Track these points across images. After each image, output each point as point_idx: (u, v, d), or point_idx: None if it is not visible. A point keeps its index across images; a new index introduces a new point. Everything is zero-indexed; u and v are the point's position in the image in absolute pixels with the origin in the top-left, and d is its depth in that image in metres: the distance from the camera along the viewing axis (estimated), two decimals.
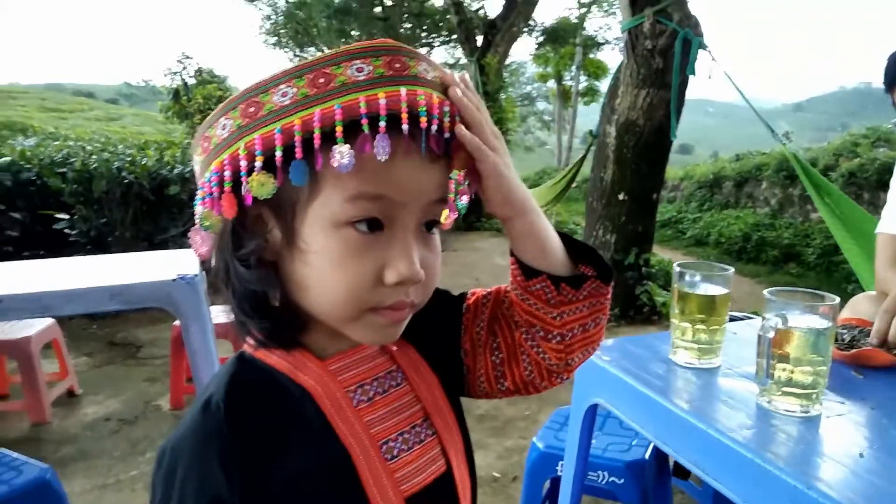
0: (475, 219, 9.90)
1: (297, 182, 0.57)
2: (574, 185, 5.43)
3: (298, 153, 0.56)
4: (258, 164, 0.57)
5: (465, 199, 0.69)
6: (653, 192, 4.46)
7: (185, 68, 16.09)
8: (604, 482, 1.79)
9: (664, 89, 3.98)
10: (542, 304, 0.71)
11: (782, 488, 0.94)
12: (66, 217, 4.79)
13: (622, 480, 1.77)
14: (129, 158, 5.05)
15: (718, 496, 2.14)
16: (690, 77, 3.88)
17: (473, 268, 6.69)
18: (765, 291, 1.18)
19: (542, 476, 1.91)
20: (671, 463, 2.19)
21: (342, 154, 0.55)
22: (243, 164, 0.58)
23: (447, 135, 0.61)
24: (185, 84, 16.07)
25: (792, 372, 1.14)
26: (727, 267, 1.39)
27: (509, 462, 2.60)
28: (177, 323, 3.26)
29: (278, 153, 0.56)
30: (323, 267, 0.61)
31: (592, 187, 4.65)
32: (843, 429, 1.10)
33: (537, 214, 0.70)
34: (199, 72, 16.65)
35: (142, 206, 4.87)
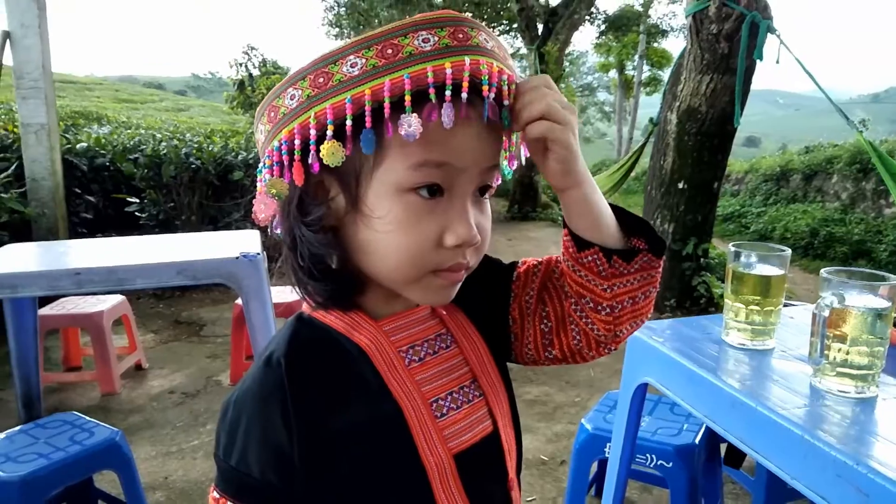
0: (530, 209, 9.85)
1: (366, 150, 0.59)
2: (633, 174, 5.34)
3: (368, 122, 0.58)
4: (329, 132, 0.59)
5: (513, 165, 0.72)
6: (713, 182, 4.35)
7: (249, 59, 16.49)
8: (652, 465, 1.78)
9: (729, 75, 3.87)
10: (593, 276, 0.72)
11: (830, 464, 0.93)
12: (137, 201, 5.01)
13: (671, 464, 1.76)
14: (196, 145, 5.24)
15: (771, 486, 2.10)
16: (757, 63, 3.75)
17: (528, 256, 6.65)
18: (822, 270, 1.15)
19: (589, 458, 1.91)
20: (722, 451, 2.16)
21: (410, 123, 0.57)
22: (313, 132, 0.60)
23: (506, 102, 0.63)
24: (250, 75, 16.48)
25: (847, 353, 1.11)
26: (784, 248, 1.36)
27: (558, 446, 2.61)
28: (238, 302, 3.39)
29: (348, 122, 0.59)
30: (387, 231, 0.64)
31: (651, 175, 4.56)
32: None
33: (593, 187, 0.71)
34: (263, 63, 17.04)
35: (207, 191, 5.05)
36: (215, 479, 0.71)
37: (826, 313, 1.10)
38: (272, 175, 0.63)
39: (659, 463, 1.77)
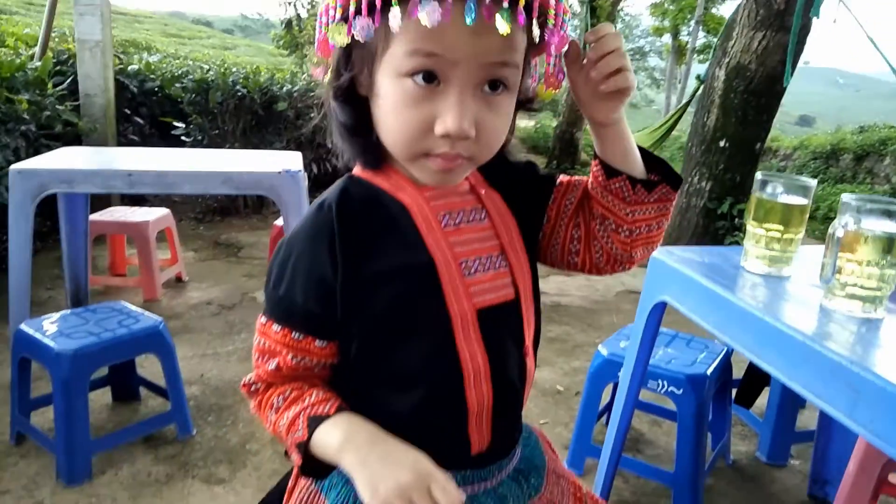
0: (569, 165, 9.80)
1: (362, 36, 0.65)
2: (675, 131, 5.28)
3: (364, 10, 0.65)
4: (355, 7, 0.65)
5: (561, 79, 0.78)
6: (756, 142, 4.29)
7: None
8: (663, 391, 1.85)
9: (782, 32, 3.79)
10: (618, 202, 0.82)
11: (827, 364, 0.98)
12: (183, 125, 5.14)
13: (681, 391, 1.82)
14: (243, 74, 5.33)
15: (778, 427, 2.16)
16: (814, 21, 3.66)
17: None
18: (843, 195, 1.19)
19: (602, 381, 1.99)
20: (734, 394, 2.22)
21: (393, 16, 0.63)
22: (352, 7, 0.66)
23: (506, 5, 0.65)
24: (298, 15, 16.39)
25: (858, 275, 1.15)
26: (810, 180, 1.39)
27: (574, 379, 2.69)
28: (277, 223, 3.51)
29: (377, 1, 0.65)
30: (386, 110, 0.72)
31: (693, 132, 4.52)
32: None
33: (625, 121, 0.81)
34: (311, 4, 16.92)
35: (251, 120, 5.15)
36: (264, 307, 0.80)
37: (840, 234, 1.14)
38: (334, 23, 0.69)
39: (670, 389, 1.83)
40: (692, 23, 22.05)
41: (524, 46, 0.72)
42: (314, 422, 0.74)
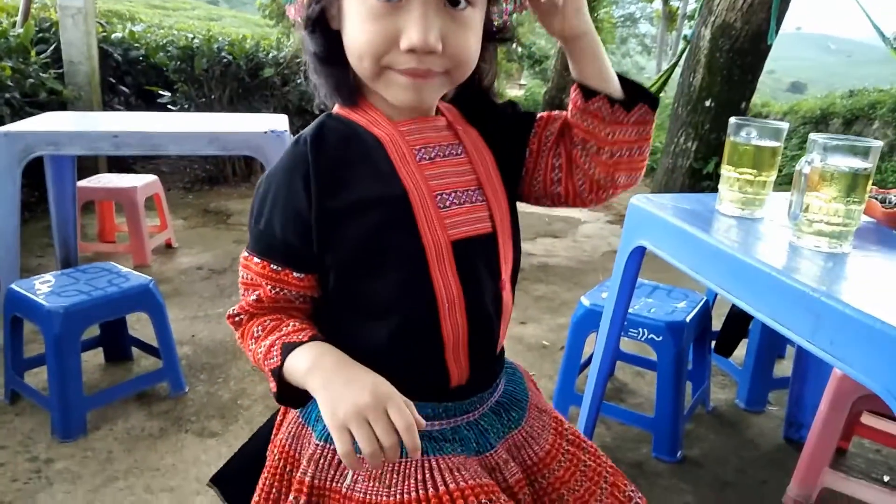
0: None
1: None
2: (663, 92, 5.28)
3: None
4: None
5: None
6: (741, 101, 4.30)
7: None
8: (643, 338, 1.89)
9: None
10: (597, 122, 0.83)
11: (790, 292, 1.02)
12: (169, 94, 5.10)
13: (660, 338, 1.87)
14: (229, 40, 5.28)
15: (756, 375, 2.22)
16: None
17: None
18: (810, 134, 1.22)
19: (584, 331, 2.03)
20: (713, 344, 2.27)
21: None
22: None
23: None
24: None
25: (826, 212, 1.19)
26: (782, 123, 1.42)
27: (559, 335, 2.74)
28: None
29: None
30: (352, 28, 0.74)
31: (679, 93, 4.53)
32: (869, 263, 1.16)
33: (597, 36, 0.82)
34: None
35: (238, 87, 5.11)
36: (247, 244, 0.83)
37: (807, 170, 1.17)
38: None
39: (650, 337, 1.88)
40: None
41: None
42: (287, 348, 0.76)
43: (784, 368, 2.43)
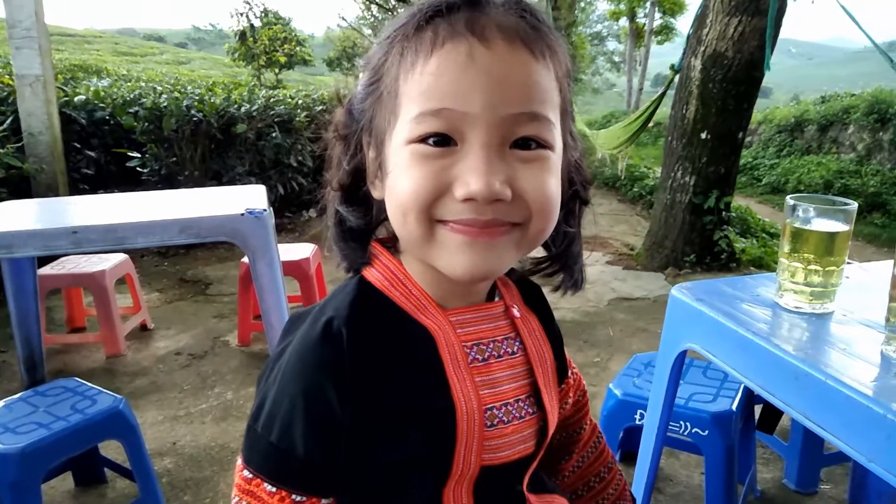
0: None
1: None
2: (650, 124, 5.13)
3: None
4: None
5: None
6: (738, 132, 4.15)
7: (251, 9, 16.06)
8: (686, 433, 1.68)
9: (758, 17, 3.64)
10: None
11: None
12: (138, 156, 4.87)
13: (706, 432, 1.65)
14: (197, 97, 5.06)
15: (805, 451, 2.01)
16: (790, 3, 3.54)
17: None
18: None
19: (618, 424, 1.81)
20: (756, 416, 2.06)
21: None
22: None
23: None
24: (252, 26, 16.06)
25: None
26: (848, 201, 1.22)
27: None
28: (245, 260, 3.27)
29: None
30: (395, 179, 0.59)
31: (672, 126, 4.37)
32: None
33: None
34: (265, 13, 16.58)
35: (210, 145, 4.89)
36: (245, 453, 0.64)
37: None
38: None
39: (694, 431, 1.66)
40: (647, 5, 22.14)
41: (557, 99, 0.60)
42: None
43: None
